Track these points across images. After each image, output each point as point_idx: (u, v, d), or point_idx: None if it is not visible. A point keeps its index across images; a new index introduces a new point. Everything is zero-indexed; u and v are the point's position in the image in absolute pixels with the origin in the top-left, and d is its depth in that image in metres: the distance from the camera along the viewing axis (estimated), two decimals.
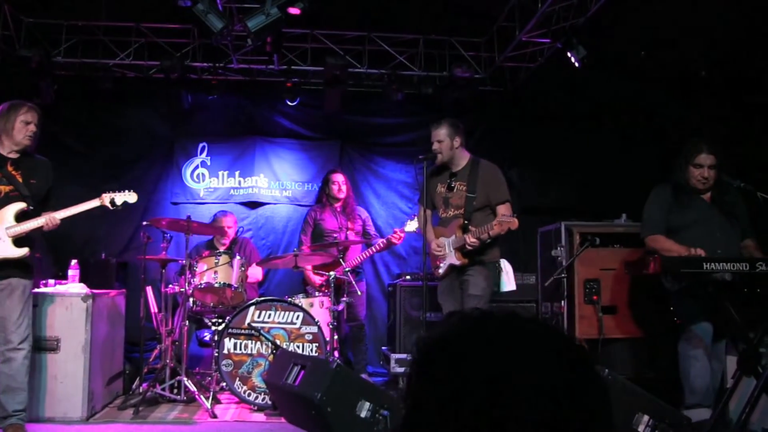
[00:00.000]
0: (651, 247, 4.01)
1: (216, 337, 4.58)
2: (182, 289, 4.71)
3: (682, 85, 6.03)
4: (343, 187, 5.65)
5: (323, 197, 5.76)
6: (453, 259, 4.10)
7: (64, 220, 3.77)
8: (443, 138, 4.16)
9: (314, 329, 4.59)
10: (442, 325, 0.86)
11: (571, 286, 4.89)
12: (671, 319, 4.11)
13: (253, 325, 4.57)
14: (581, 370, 0.80)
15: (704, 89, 5.97)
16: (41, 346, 4.08)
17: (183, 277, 4.74)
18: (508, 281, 4.13)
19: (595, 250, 4.86)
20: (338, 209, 5.69)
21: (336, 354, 4.62)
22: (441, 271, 4.16)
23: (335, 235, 5.54)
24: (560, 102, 6.62)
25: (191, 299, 4.73)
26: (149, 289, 5.21)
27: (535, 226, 5.64)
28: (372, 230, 5.82)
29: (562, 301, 4.91)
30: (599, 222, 5.14)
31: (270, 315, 4.59)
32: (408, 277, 5.71)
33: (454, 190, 4.19)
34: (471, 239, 3.91)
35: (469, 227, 4.01)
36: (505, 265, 4.14)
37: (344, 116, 6.71)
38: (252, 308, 4.59)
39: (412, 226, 5.25)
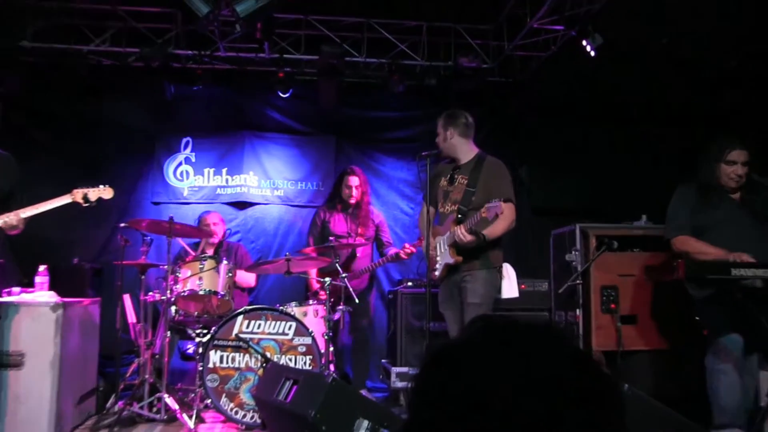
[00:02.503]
0: (679, 249, 4.00)
1: (200, 350, 4.54)
2: (163, 297, 4.67)
3: (708, 77, 5.99)
4: (356, 192, 5.58)
5: (335, 197, 5.72)
6: (447, 257, 4.13)
7: (30, 220, 3.69)
8: (438, 130, 4.27)
9: (308, 340, 4.58)
10: (462, 332, 0.91)
11: (586, 294, 4.90)
12: (698, 330, 4.12)
13: (241, 336, 4.55)
14: (595, 383, 0.82)
15: (733, 81, 5.92)
16: (2, 362, 3.97)
17: (164, 283, 4.71)
18: (509, 287, 4.16)
19: (613, 255, 4.86)
20: (349, 212, 5.66)
21: (332, 367, 4.62)
22: (437, 273, 4.19)
23: (342, 240, 5.48)
24: (575, 94, 6.63)
25: (173, 308, 4.70)
26: (127, 298, 5.18)
27: (548, 228, 5.64)
28: (386, 237, 5.72)
29: (577, 310, 4.92)
30: (617, 224, 5.15)
31: (259, 325, 4.57)
32: (410, 283, 5.71)
33: (455, 183, 4.24)
34: (461, 230, 3.93)
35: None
36: (508, 270, 4.17)
37: (341, 109, 6.71)
38: (240, 318, 4.56)
39: (408, 252, 5.24)
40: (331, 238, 5.39)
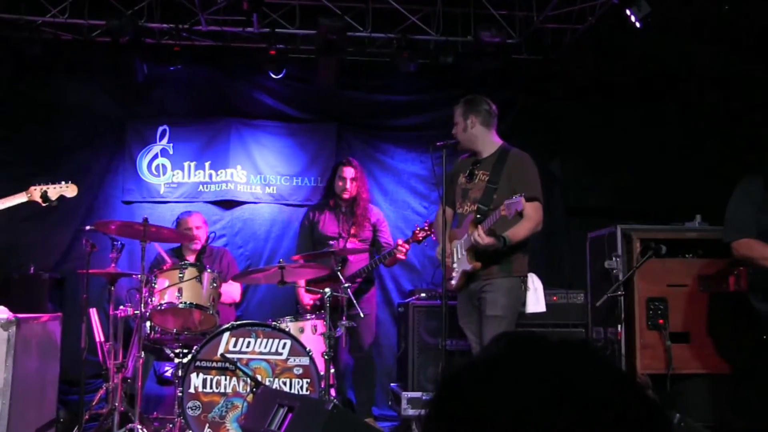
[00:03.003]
0: (741, 254, 4.00)
1: (180, 373, 4.51)
2: (137, 312, 4.64)
3: None
4: (349, 185, 5.61)
5: (327, 194, 5.76)
6: (464, 263, 4.18)
7: None
8: (457, 119, 4.31)
9: (305, 361, 4.57)
10: (483, 350, 0.95)
11: (630, 307, 4.91)
12: (765, 351, 4.04)
13: (228, 356, 4.51)
14: (638, 405, 0.85)
15: None
16: None
17: (138, 295, 4.67)
18: (535, 300, 4.20)
19: (661, 261, 4.86)
20: (343, 209, 5.67)
21: (332, 392, 4.61)
22: (454, 282, 4.26)
23: (332, 242, 5.52)
24: (615, 74, 6.60)
25: (148, 324, 4.69)
26: (93, 312, 5.16)
27: (584, 230, 5.65)
28: (385, 238, 5.76)
29: (619, 326, 4.91)
30: (666, 225, 5.16)
31: (249, 343, 4.56)
32: (423, 294, 5.73)
33: (475, 180, 4.30)
34: (479, 232, 3.97)
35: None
36: (534, 281, 4.23)
37: (342, 93, 6.72)
38: (226, 335, 4.55)
39: (422, 234, 5.24)
40: (330, 242, 5.39)
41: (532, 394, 0.84)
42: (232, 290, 5.70)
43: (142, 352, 4.60)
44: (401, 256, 5.42)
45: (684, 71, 6.43)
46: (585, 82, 6.68)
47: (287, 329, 4.67)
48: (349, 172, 5.63)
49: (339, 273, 4.99)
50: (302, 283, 5.39)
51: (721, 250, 4.17)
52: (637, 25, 5.38)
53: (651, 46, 6.08)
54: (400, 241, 5.39)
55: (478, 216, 4.13)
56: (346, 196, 5.62)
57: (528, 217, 4.02)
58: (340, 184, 5.62)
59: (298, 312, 5.45)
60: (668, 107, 6.66)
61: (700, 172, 6.20)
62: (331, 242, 5.53)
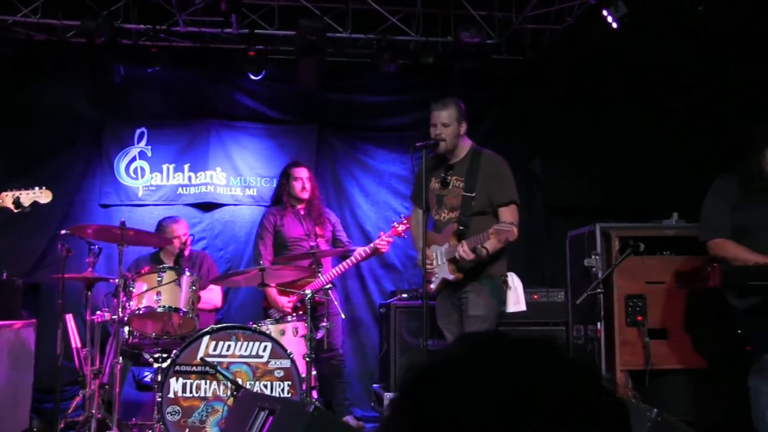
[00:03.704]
0: (715, 253, 4.03)
1: (159, 377, 4.50)
2: (114, 317, 4.63)
3: (754, 52, 5.97)
4: (308, 185, 5.69)
5: (284, 196, 5.79)
6: (446, 272, 4.21)
7: None
8: (449, 121, 4.24)
9: (286, 363, 4.57)
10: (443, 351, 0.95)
11: (609, 305, 4.94)
12: (740, 345, 4.12)
13: (208, 360, 4.50)
14: (595, 400, 0.85)
15: None
16: None
17: (116, 300, 4.66)
18: (515, 299, 4.23)
19: (639, 259, 4.91)
20: (302, 212, 5.72)
21: (314, 394, 4.62)
22: (433, 286, 4.28)
23: (302, 243, 5.54)
24: (595, 74, 6.62)
25: (127, 329, 4.65)
26: (69, 318, 5.12)
27: (564, 229, 5.68)
28: (344, 237, 5.89)
29: (599, 324, 4.96)
30: (644, 223, 5.18)
31: (229, 347, 4.56)
32: (404, 295, 5.75)
33: (450, 187, 4.29)
34: (464, 249, 4.00)
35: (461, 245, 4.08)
36: (513, 280, 4.25)
37: (323, 94, 6.70)
38: (206, 339, 4.54)
39: (402, 227, 5.33)
40: (300, 244, 5.40)
41: (493, 394, 0.83)
42: (212, 296, 5.68)
43: (120, 358, 4.59)
44: (384, 249, 5.49)
45: (661, 71, 6.44)
46: (565, 83, 6.70)
47: (268, 332, 4.65)
48: (303, 172, 5.71)
49: (320, 274, 5.05)
50: (273, 286, 5.36)
51: (698, 248, 4.18)
52: (614, 25, 5.41)
53: (629, 46, 6.10)
54: (383, 234, 5.47)
55: (461, 228, 4.15)
56: (305, 196, 5.67)
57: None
58: (297, 184, 5.67)
59: (267, 316, 5.42)
60: (646, 106, 6.67)
61: (677, 170, 6.21)
62: (300, 244, 5.54)
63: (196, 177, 6.59)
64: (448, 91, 4.63)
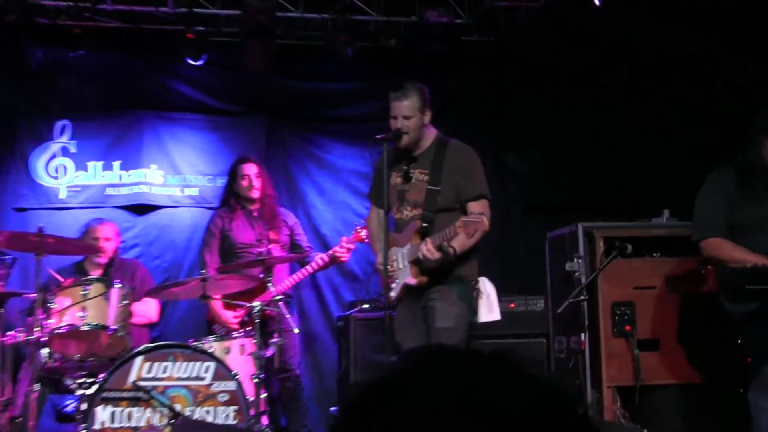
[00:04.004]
0: (709, 255, 4.06)
1: (83, 406, 4.39)
2: (30, 337, 4.52)
3: (749, 34, 6.01)
4: (257, 182, 5.64)
5: (231, 197, 5.74)
6: (408, 276, 4.19)
7: None
8: (411, 112, 4.22)
9: (232, 386, 4.52)
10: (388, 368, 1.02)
11: (594, 313, 4.94)
12: (739, 357, 4.15)
13: (141, 384, 4.41)
14: (557, 421, 0.87)
15: None
16: None
17: (32, 318, 4.57)
18: (488, 308, 4.23)
19: (627, 262, 4.91)
20: (254, 214, 5.67)
21: (264, 420, 4.60)
22: (394, 293, 4.25)
23: (253, 250, 5.48)
24: (576, 58, 6.63)
25: (45, 351, 4.53)
26: None
27: (543, 229, 5.69)
28: (304, 241, 5.85)
29: (582, 335, 4.98)
30: (632, 222, 5.22)
31: (166, 368, 4.49)
32: (366, 306, 5.76)
33: (413, 181, 4.29)
34: (427, 247, 3.97)
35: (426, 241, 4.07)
36: (485, 286, 4.26)
37: (273, 81, 6.67)
38: (139, 360, 4.46)
39: (365, 232, 5.30)
40: (250, 251, 5.37)
41: (442, 414, 0.85)
42: (146, 309, 5.60)
43: (37, 385, 4.48)
44: (344, 257, 5.48)
45: (651, 54, 6.48)
46: (543, 67, 6.72)
47: (211, 350, 4.60)
48: (250, 168, 5.65)
49: (270, 284, 4.97)
50: (218, 298, 5.32)
51: (691, 248, 4.20)
52: (597, 2, 5.43)
53: (614, 27, 6.13)
54: (344, 240, 5.46)
55: (425, 225, 4.15)
56: (254, 195, 5.62)
57: None
58: (245, 183, 5.62)
59: (211, 332, 5.38)
60: (634, 93, 6.72)
61: (669, 163, 6.27)
62: (251, 251, 5.50)
63: (128, 176, 6.50)
64: (412, 77, 4.56)
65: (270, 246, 5.49)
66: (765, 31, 5.89)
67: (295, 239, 5.76)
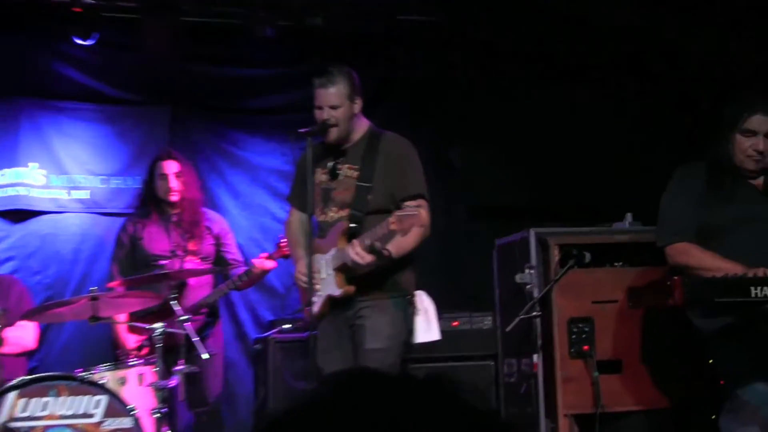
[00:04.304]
0: (676, 262, 4.09)
1: None
2: None
3: (724, 16, 6.10)
4: (175, 183, 5.58)
5: (149, 200, 5.68)
6: (332, 287, 4.18)
7: None
8: (338, 101, 4.24)
9: (127, 423, 4.48)
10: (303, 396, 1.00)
11: (548, 331, 4.97)
12: (711, 379, 4.18)
13: (14, 425, 4.34)
14: None
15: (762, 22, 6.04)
16: None
17: None
18: (427, 326, 4.27)
19: (585, 272, 4.97)
20: (173, 219, 5.62)
21: None
22: (314, 308, 4.22)
23: (165, 262, 5.50)
24: (529, 40, 6.68)
25: None
26: None
27: (490, 236, 5.71)
28: (233, 253, 5.83)
29: (535, 356, 4.99)
30: (590, 228, 5.25)
31: (46, 404, 4.43)
32: (287, 326, 5.78)
33: (340, 177, 4.32)
34: (356, 249, 3.96)
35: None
36: (423, 301, 4.30)
37: (178, 65, 6.60)
38: (12, 396, 4.39)
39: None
40: (161, 262, 5.33)
41: None
42: (22, 335, 5.46)
43: None
44: (257, 270, 5.47)
45: (615, 37, 6.55)
46: (492, 51, 6.75)
47: (102, 381, 4.55)
48: (170, 166, 5.57)
49: (175, 302, 4.93)
50: (122, 318, 5.28)
51: (657, 257, 4.26)
52: None
53: (575, 6, 6.18)
54: (263, 256, 5.43)
55: (352, 226, 4.16)
56: (173, 198, 5.55)
57: None
58: (162, 184, 5.56)
59: (117, 358, 5.32)
60: (595, 82, 6.82)
61: (632, 161, 6.37)
62: (161, 262, 5.48)
63: (2, 175, 6.38)
64: (340, 61, 4.57)
65: (187, 258, 5.47)
66: (734, 16, 6.01)
67: (222, 250, 5.71)
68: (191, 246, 5.56)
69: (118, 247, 5.68)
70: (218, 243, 5.71)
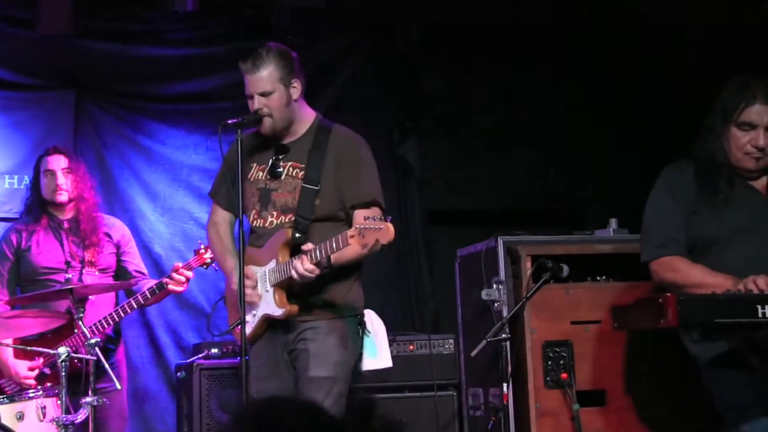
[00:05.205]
0: (661, 278, 4.09)
1: None
2: None
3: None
4: (64, 181, 5.54)
5: (36, 203, 5.63)
6: (271, 306, 4.17)
7: None
8: (270, 86, 4.23)
9: None
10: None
11: (520, 357, 4.94)
12: (709, 410, 4.16)
13: None
14: None
15: None
16: None
17: None
18: (378, 350, 4.32)
19: (562, 288, 4.97)
20: (65, 225, 5.56)
21: None
22: (247, 329, 4.19)
23: (59, 276, 5.44)
24: (496, 13, 6.71)
25: None
26: None
27: (452, 245, 5.72)
28: (133, 264, 5.78)
29: (505, 385, 4.90)
30: (568, 236, 5.28)
31: None
32: (214, 350, 5.83)
33: (282, 177, 4.32)
34: (305, 265, 3.94)
35: (305, 245, 4.05)
36: (372, 320, 4.34)
37: (83, 43, 6.57)
38: None
39: (210, 254, 5.31)
40: (52, 277, 5.31)
41: None
42: None
43: None
44: (178, 288, 5.41)
45: (599, 13, 6.59)
46: (452, 29, 6.80)
47: None
48: (57, 161, 5.56)
49: (81, 323, 4.86)
50: (8, 343, 5.18)
51: (646, 269, 4.22)
52: None
53: None
54: (178, 266, 5.40)
55: (298, 236, 4.14)
56: (60, 198, 5.53)
57: None
58: (48, 182, 5.54)
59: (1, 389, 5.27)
60: (574, 64, 6.87)
61: (616, 159, 6.41)
62: (54, 276, 5.43)
63: None
64: (275, 40, 4.58)
65: (84, 270, 5.47)
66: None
67: (122, 260, 5.68)
68: (89, 255, 5.54)
69: (1, 261, 5.57)
70: (118, 252, 5.69)
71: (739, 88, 4.05)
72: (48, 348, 4.89)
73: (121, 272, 5.67)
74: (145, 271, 5.81)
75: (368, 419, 1.24)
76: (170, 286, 5.35)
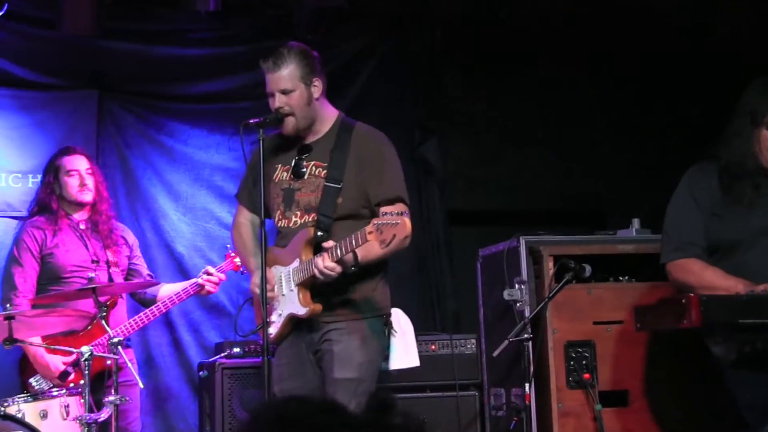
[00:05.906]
0: (675, 279, 4.14)
1: None
2: None
3: None
4: (89, 182, 5.59)
5: (52, 202, 5.61)
6: (295, 305, 4.17)
7: None
8: (291, 84, 4.24)
9: None
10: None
11: (542, 357, 4.94)
12: (732, 413, 4.15)
13: None
14: None
15: None
16: None
17: None
18: (404, 350, 4.30)
19: (585, 288, 4.96)
20: (83, 225, 5.59)
21: None
22: (273, 329, 4.22)
23: (87, 274, 5.48)
24: (517, 13, 6.69)
25: None
26: None
27: (473, 245, 5.72)
28: (142, 266, 5.87)
29: (527, 385, 4.91)
30: (591, 236, 5.26)
31: None
32: (236, 349, 5.83)
33: (305, 176, 4.32)
34: (326, 263, 3.94)
35: (325, 243, 4.05)
36: (400, 320, 4.33)
37: (105, 44, 6.55)
38: None
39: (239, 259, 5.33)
40: (81, 276, 5.31)
41: None
42: None
43: None
44: (213, 290, 5.54)
45: (623, 14, 6.58)
46: (474, 29, 6.79)
47: (20, 414, 4.55)
48: (79, 162, 5.61)
49: (104, 322, 4.91)
50: (37, 341, 5.15)
51: (665, 270, 4.25)
52: None
53: None
54: (210, 270, 5.48)
55: (320, 234, 4.13)
56: (85, 198, 5.59)
57: None
58: (70, 182, 5.56)
59: (25, 389, 5.26)
60: (598, 65, 6.84)
61: (639, 158, 6.41)
62: (80, 275, 5.46)
63: None
64: (297, 39, 4.62)
65: (111, 270, 5.53)
66: None
67: (132, 263, 5.74)
68: (112, 255, 5.59)
69: (23, 256, 5.56)
70: (130, 255, 5.75)
71: (767, 89, 4.06)
72: (73, 346, 4.87)
73: (131, 274, 5.73)
74: (153, 275, 5.88)
75: (388, 416, 1.27)
76: (207, 287, 5.43)
